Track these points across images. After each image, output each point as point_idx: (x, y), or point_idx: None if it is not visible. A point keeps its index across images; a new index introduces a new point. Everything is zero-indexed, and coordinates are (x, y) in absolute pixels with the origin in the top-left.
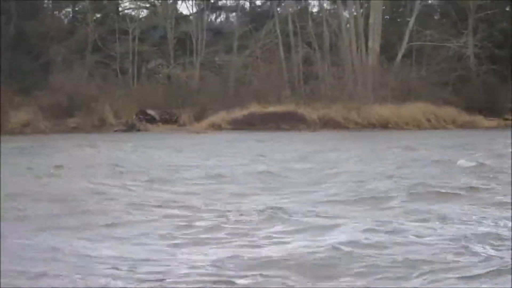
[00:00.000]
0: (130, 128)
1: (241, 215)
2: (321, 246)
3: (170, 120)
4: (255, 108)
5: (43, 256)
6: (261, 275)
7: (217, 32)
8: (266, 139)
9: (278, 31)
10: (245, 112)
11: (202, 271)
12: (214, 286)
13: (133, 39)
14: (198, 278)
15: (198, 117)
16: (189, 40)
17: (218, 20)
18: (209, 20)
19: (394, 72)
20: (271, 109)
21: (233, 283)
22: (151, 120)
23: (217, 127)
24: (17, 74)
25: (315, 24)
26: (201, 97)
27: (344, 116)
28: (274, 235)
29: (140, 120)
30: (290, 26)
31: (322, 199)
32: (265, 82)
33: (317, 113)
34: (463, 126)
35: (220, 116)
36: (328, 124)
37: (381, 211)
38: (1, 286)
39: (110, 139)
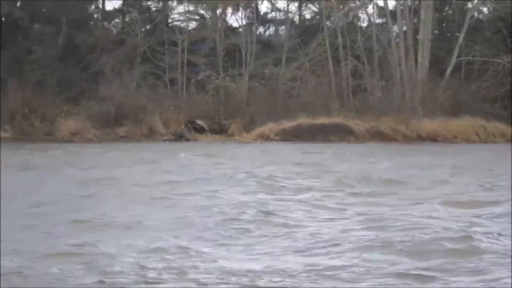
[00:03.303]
0: (179, 137)
1: None
2: None
3: (219, 130)
4: (303, 120)
5: None
6: None
7: (266, 45)
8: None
9: (328, 44)
10: (293, 123)
11: None
12: None
13: (182, 50)
14: None
15: (247, 128)
16: (238, 52)
17: (267, 33)
18: (258, 32)
19: (443, 86)
20: (320, 120)
21: None
22: (200, 130)
23: (265, 138)
24: (66, 84)
25: (364, 38)
26: (250, 108)
27: (393, 129)
28: None
29: (189, 130)
30: (340, 39)
31: None
32: (313, 94)
33: (365, 125)
34: None
35: (268, 127)
36: (376, 136)
37: None
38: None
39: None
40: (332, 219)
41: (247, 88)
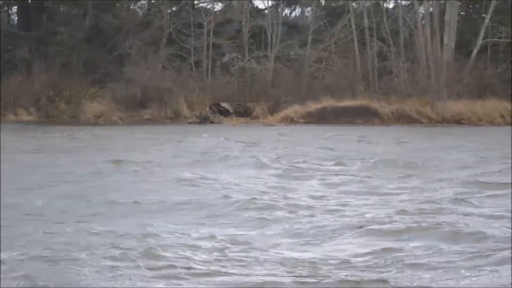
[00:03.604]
0: (204, 120)
1: None
2: None
3: (244, 113)
4: (328, 102)
5: None
6: None
7: (292, 27)
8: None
9: (354, 26)
10: (318, 106)
11: None
12: None
13: (208, 33)
14: None
15: (272, 110)
16: (264, 34)
17: (293, 14)
18: (284, 14)
19: (469, 68)
20: (344, 103)
21: None
22: (225, 112)
23: (290, 120)
24: (92, 66)
25: (390, 20)
26: (275, 90)
27: (418, 111)
28: None
29: (213, 113)
30: (366, 21)
31: None
32: (339, 76)
33: (390, 107)
34: None
35: (293, 110)
36: (401, 118)
37: None
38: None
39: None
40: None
41: (272, 70)
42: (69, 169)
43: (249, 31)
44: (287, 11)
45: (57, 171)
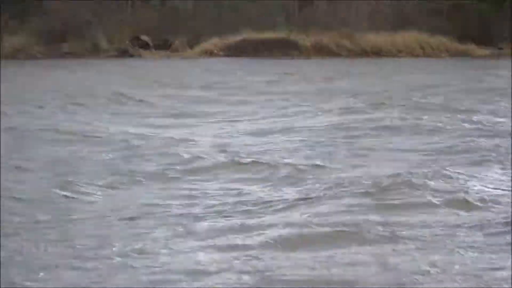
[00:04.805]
0: (123, 53)
1: None
2: None
3: (163, 46)
4: (248, 35)
5: None
6: None
7: None
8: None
9: None
10: (238, 38)
11: None
12: None
13: None
14: None
15: (191, 44)
16: None
17: None
18: None
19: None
20: (264, 35)
21: None
22: (145, 46)
23: (209, 54)
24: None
25: None
26: (195, 23)
27: (337, 43)
28: None
29: (133, 46)
30: None
31: None
32: (259, 8)
33: (310, 40)
34: (456, 54)
35: (213, 43)
36: (321, 51)
37: None
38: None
39: None
40: None
41: (192, 3)
42: None
43: None
44: None
45: None
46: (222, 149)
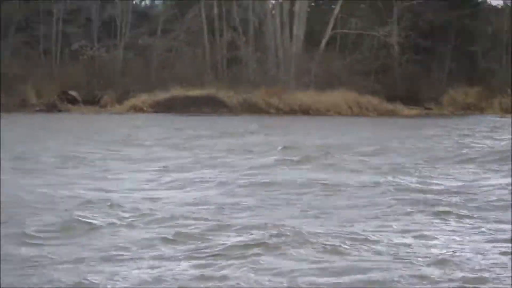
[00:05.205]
0: (51, 108)
1: None
2: None
3: (92, 101)
4: (177, 92)
5: None
6: None
7: (142, 15)
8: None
9: (204, 15)
10: (167, 95)
11: None
12: None
13: (57, 20)
14: None
15: (120, 99)
16: (114, 22)
17: (143, 3)
18: (134, 2)
19: (317, 59)
20: (193, 92)
21: None
22: (73, 101)
23: (138, 110)
24: None
25: (241, 9)
26: (124, 79)
27: (266, 102)
28: None
29: (61, 101)
30: (216, 10)
31: None
32: (188, 66)
33: (238, 97)
34: (384, 114)
35: (142, 99)
36: (249, 109)
37: None
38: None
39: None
40: None
41: (122, 59)
42: None
43: (99, 20)
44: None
45: None
46: None
